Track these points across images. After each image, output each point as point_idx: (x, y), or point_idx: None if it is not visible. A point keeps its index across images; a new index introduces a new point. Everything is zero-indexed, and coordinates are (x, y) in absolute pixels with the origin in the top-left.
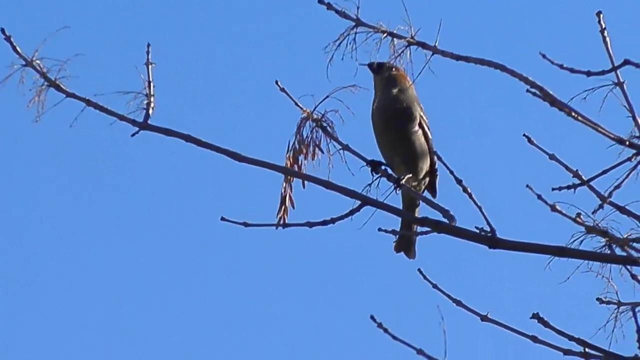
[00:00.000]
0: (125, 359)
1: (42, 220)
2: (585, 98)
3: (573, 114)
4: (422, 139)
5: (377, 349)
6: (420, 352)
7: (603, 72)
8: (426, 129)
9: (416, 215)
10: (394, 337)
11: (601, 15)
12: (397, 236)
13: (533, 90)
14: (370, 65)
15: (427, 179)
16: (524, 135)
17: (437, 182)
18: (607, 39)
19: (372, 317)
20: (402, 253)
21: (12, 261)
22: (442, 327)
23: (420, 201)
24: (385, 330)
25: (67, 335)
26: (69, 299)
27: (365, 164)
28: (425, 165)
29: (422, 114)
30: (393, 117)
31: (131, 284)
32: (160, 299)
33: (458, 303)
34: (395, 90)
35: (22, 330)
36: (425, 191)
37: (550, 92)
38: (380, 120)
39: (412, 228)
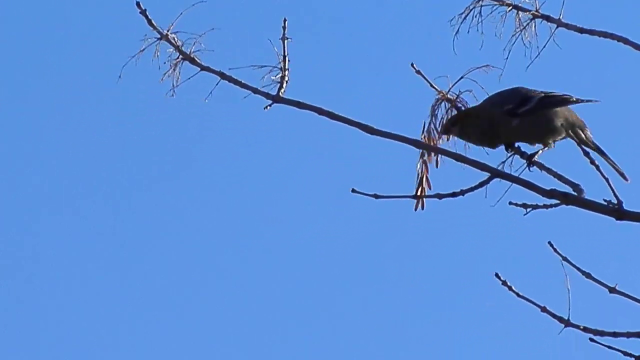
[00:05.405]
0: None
1: (171, 189)
2: None
3: None
4: (541, 118)
5: (502, 307)
6: (544, 309)
7: None
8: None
9: None
10: (518, 295)
11: None
12: None
13: None
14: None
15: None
16: None
17: None
18: None
19: (496, 275)
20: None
21: (129, 223)
22: (565, 286)
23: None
24: (510, 288)
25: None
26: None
27: None
28: (559, 129)
29: (509, 107)
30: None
31: (260, 253)
32: (290, 265)
33: (587, 275)
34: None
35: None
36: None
37: None
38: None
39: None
